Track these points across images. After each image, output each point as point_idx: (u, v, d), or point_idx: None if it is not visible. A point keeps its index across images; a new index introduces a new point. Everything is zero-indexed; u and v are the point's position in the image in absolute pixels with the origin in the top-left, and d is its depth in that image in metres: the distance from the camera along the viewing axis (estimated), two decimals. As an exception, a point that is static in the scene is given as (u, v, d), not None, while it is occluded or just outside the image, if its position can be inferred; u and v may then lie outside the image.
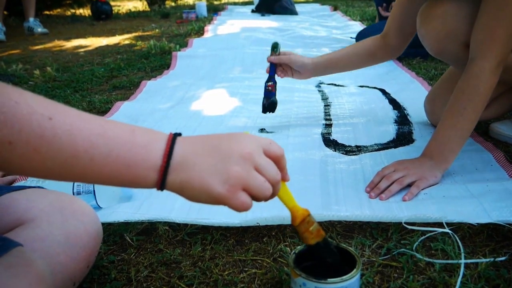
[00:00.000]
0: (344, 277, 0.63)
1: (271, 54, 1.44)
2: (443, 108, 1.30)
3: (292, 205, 0.63)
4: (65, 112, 0.48)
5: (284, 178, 0.60)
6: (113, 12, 5.33)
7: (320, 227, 0.65)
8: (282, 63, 1.42)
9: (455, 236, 0.86)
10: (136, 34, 3.86)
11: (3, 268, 0.52)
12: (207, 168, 0.51)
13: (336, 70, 1.48)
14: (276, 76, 1.44)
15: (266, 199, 0.54)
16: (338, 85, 1.97)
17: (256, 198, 0.53)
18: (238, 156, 0.52)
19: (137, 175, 0.51)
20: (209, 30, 3.61)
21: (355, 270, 0.64)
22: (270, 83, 1.43)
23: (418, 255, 0.82)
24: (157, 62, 2.60)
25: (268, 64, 1.44)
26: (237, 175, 0.51)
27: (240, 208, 0.52)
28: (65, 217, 0.71)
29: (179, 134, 0.55)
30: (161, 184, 0.51)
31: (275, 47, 1.45)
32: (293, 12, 4.53)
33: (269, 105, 1.42)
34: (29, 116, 0.45)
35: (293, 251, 0.69)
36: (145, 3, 6.58)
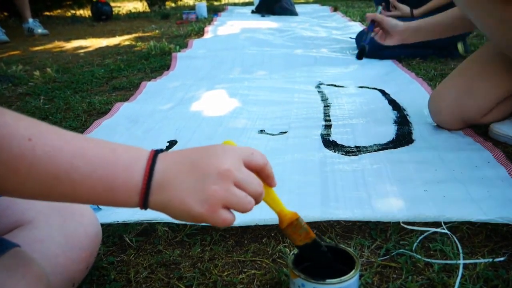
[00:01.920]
0: (343, 277, 0.63)
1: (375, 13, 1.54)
2: (449, 107, 1.30)
3: (279, 209, 0.63)
4: (45, 132, 0.48)
5: (271, 184, 0.60)
6: (113, 13, 5.34)
7: (309, 230, 0.64)
8: (377, 21, 1.46)
9: (454, 236, 0.86)
10: (136, 35, 3.87)
11: (1, 269, 0.52)
12: (186, 188, 0.51)
13: (428, 34, 1.45)
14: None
15: (248, 211, 0.54)
16: (338, 86, 1.98)
17: (238, 211, 0.54)
18: (216, 174, 0.51)
19: (119, 197, 0.51)
20: (209, 31, 3.61)
21: (354, 270, 0.64)
22: (365, 34, 1.53)
23: (417, 256, 0.82)
24: (157, 63, 2.61)
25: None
26: (216, 194, 0.51)
27: (222, 225, 0.52)
28: (64, 218, 0.71)
29: (162, 150, 0.54)
30: (143, 205, 0.52)
31: (376, 10, 1.59)
32: (293, 13, 4.53)
33: (360, 51, 1.54)
34: (9, 137, 0.45)
35: (292, 252, 0.69)
36: (145, 4, 6.58)
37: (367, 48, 1.51)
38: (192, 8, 5.48)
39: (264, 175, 0.58)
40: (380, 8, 1.64)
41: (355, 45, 2.67)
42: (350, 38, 2.97)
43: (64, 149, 0.48)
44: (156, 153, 0.53)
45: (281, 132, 1.45)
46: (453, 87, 1.31)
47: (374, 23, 1.50)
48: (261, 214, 0.94)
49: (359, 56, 1.53)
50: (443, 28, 1.42)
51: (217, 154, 0.53)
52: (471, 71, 1.31)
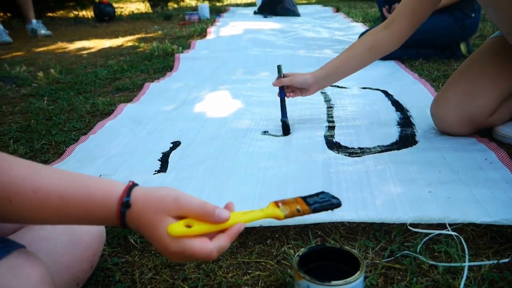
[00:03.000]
0: (348, 279, 0.63)
1: (277, 76, 1.49)
2: (455, 110, 1.29)
3: (262, 214, 0.62)
4: (23, 193, 0.53)
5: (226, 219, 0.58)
6: (116, 14, 5.35)
7: (291, 200, 0.65)
8: (286, 85, 1.47)
9: (460, 237, 0.86)
10: (139, 36, 3.87)
11: (7, 269, 0.52)
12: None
13: (338, 78, 1.47)
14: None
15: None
16: (341, 87, 1.97)
17: None
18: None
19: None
20: (212, 32, 3.61)
21: (358, 272, 0.64)
22: (280, 107, 1.49)
23: (422, 258, 0.82)
24: (160, 64, 2.61)
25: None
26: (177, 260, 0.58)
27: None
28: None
29: (128, 206, 0.56)
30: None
31: (279, 70, 1.50)
32: (296, 14, 4.53)
33: (282, 126, 1.47)
34: None
35: (297, 254, 0.69)
36: (148, 5, 6.60)
37: (288, 121, 1.47)
38: (195, 9, 5.49)
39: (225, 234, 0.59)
40: (281, 68, 1.50)
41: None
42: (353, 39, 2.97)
43: (43, 208, 0.55)
44: (122, 211, 0.56)
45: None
46: (457, 89, 1.31)
47: (283, 88, 1.48)
48: (265, 215, 0.95)
49: (285, 132, 1.45)
50: (350, 64, 1.42)
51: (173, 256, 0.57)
52: (472, 72, 1.31)
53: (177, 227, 0.55)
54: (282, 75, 1.48)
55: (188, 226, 0.55)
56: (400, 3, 1.35)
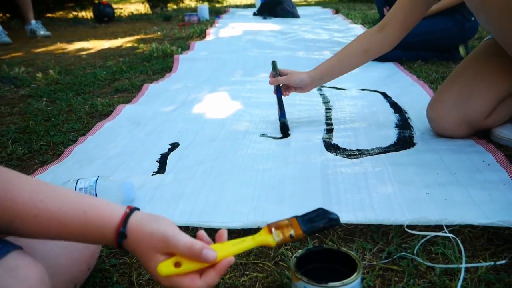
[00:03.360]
0: (345, 280, 0.63)
1: (273, 74, 1.50)
2: (451, 113, 1.29)
3: (252, 243, 0.62)
4: (25, 217, 0.56)
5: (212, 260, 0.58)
6: (115, 14, 5.35)
7: (285, 223, 0.64)
8: (283, 84, 1.49)
9: (457, 239, 0.86)
10: (138, 37, 3.88)
11: (4, 270, 0.52)
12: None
13: (333, 77, 1.50)
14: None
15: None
16: (339, 89, 1.98)
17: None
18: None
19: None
20: (211, 33, 3.62)
21: (356, 274, 0.64)
22: (278, 106, 1.51)
23: (419, 259, 0.82)
24: (159, 65, 2.61)
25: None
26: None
27: None
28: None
29: (124, 236, 0.58)
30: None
31: (273, 66, 1.51)
32: (295, 15, 4.54)
33: (281, 127, 1.47)
34: None
35: (294, 255, 0.69)
36: (147, 5, 6.60)
37: (287, 122, 1.47)
38: (194, 10, 5.48)
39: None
40: (276, 65, 1.53)
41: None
42: None
43: (44, 233, 0.58)
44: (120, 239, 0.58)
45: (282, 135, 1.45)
46: (452, 92, 1.31)
47: (279, 87, 1.50)
48: (264, 217, 0.95)
49: (284, 133, 1.45)
50: (345, 65, 1.46)
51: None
52: (467, 74, 1.31)
53: (166, 268, 0.57)
54: (277, 72, 1.50)
55: (178, 264, 0.57)
56: (393, 7, 1.37)
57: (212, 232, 0.93)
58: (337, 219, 0.65)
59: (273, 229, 0.63)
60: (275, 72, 1.50)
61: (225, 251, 0.59)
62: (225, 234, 0.62)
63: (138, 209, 0.61)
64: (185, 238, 0.57)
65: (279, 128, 1.48)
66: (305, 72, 1.47)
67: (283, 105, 1.50)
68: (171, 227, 0.59)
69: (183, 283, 0.57)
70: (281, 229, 0.63)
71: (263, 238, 0.62)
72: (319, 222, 0.64)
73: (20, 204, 0.55)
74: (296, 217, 0.65)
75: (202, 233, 0.62)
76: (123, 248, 0.59)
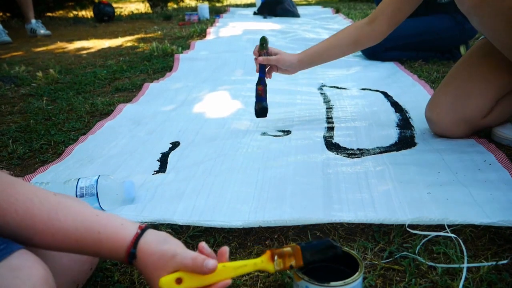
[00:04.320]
0: (346, 280, 0.63)
1: (260, 51, 1.44)
2: (449, 112, 1.30)
3: (253, 267, 0.64)
4: (43, 235, 0.60)
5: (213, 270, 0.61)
6: (116, 14, 5.35)
7: (289, 252, 0.65)
8: (272, 64, 1.46)
9: (459, 239, 0.86)
10: (139, 36, 3.87)
11: (7, 270, 0.52)
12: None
13: (321, 62, 1.51)
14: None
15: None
16: (340, 88, 1.98)
17: None
18: None
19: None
20: (211, 33, 3.61)
21: (357, 273, 0.64)
22: (260, 87, 1.44)
23: (420, 259, 0.82)
24: (159, 65, 2.61)
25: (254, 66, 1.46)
26: None
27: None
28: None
29: (134, 257, 0.62)
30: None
31: (263, 43, 1.45)
32: (295, 15, 4.53)
33: (260, 110, 1.44)
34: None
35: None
36: (147, 5, 6.60)
37: (267, 106, 1.43)
38: (194, 9, 5.48)
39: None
40: (267, 42, 1.44)
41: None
42: None
43: (59, 248, 0.63)
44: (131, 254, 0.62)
45: (283, 132, 1.45)
46: (449, 92, 1.31)
47: (264, 66, 1.44)
48: (264, 216, 0.95)
49: (259, 114, 1.43)
50: (332, 53, 1.47)
51: None
52: (463, 73, 1.31)
53: (167, 284, 0.59)
54: (268, 50, 1.45)
55: (179, 280, 0.60)
56: (382, 2, 1.38)
57: (213, 232, 0.94)
58: (340, 254, 0.67)
59: (275, 257, 0.64)
60: (266, 50, 1.44)
61: (225, 273, 0.62)
62: (227, 253, 0.65)
63: (150, 227, 0.65)
64: (191, 253, 0.62)
65: (255, 111, 1.44)
66: (294, 54, 1.46)
67: (266, 87, 1.44)
68: (180, 246, 0.63)
69: None
70: (283, 258, 0.65)
71: (264, 266, 0.64)
72: (322, 256, 0.66)
73: (39, 224, 0.59)
74: (301, 246, 0.66)
75: (203, 244, 0.65)
76: (134, 266, 0.63)
